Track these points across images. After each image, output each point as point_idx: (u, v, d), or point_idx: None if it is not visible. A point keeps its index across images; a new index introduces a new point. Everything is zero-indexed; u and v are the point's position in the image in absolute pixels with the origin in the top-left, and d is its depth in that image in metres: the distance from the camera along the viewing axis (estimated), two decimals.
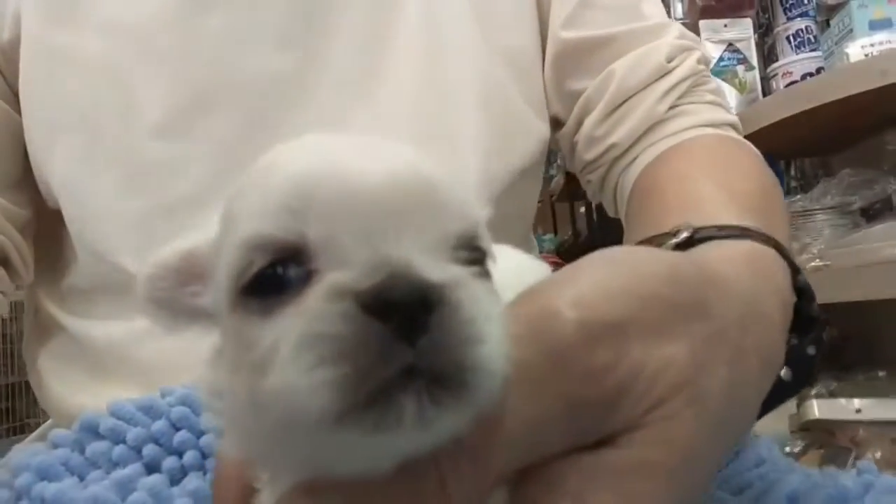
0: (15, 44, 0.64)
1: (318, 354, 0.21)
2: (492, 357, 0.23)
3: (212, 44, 0.61)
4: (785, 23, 1.75)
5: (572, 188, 3.06)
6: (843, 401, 1.26)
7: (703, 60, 0.65)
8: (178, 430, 0.46)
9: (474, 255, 0.26)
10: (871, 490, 0.40)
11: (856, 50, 1.47)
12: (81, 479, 0.43)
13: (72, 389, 0.62)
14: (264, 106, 0.61)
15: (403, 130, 0.62)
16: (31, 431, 0.71)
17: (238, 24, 0.62)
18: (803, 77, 1.64)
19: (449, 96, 0.63)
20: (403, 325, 0.21)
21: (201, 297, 0.28)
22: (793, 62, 1.69)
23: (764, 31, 1.83)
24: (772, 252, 0.37)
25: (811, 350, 0.36)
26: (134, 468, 0.42)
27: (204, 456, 0.45)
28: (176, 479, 0.44)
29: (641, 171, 0.60)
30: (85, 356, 0.62)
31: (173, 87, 0.61)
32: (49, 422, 0.70)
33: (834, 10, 1.69)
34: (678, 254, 0.34)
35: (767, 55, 1.80)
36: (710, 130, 0.61)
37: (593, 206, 2.85)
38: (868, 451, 1.16)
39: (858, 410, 1.24)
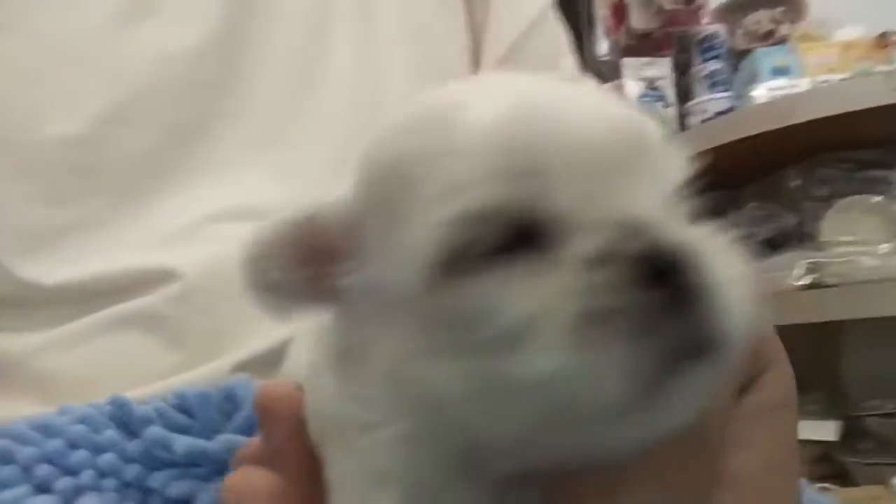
0: None
1: (598, 333, 0.19)
2: (739, 328, 0.21)
3: (139, 56, 0.60)
4: (700, 64, 1.86)
5: None
6: None
7: None
8: (75, 449, 0.44)
9: (690, 209, 0.23)
10: None
11: (761, 92, 1.58)
12: None
13: None
14: (187, 117, 0.60)
15: (337, 149, 0.62)
16: None
17: (167, 37, 0.61)
18: (716, 115, 1.75)
19: (385, 105, 0.63)
20: (675, 295, 0.19)
21: (337, 277, 0.24)
22: (707, 101, 1.79)
23: (681, 71, 1.93)
24: None
25: None
26: (21, 490, 0.40)
27: (102, 475, 0.44)
28: (69, 499, 0.42)
29: None
30: None
31: (92, 97, 0.60)
32: None
33: (743, 55, 1.81)
34: None
35: (684, 93, 1.90)
36: None
37: None
38: None
39: None
